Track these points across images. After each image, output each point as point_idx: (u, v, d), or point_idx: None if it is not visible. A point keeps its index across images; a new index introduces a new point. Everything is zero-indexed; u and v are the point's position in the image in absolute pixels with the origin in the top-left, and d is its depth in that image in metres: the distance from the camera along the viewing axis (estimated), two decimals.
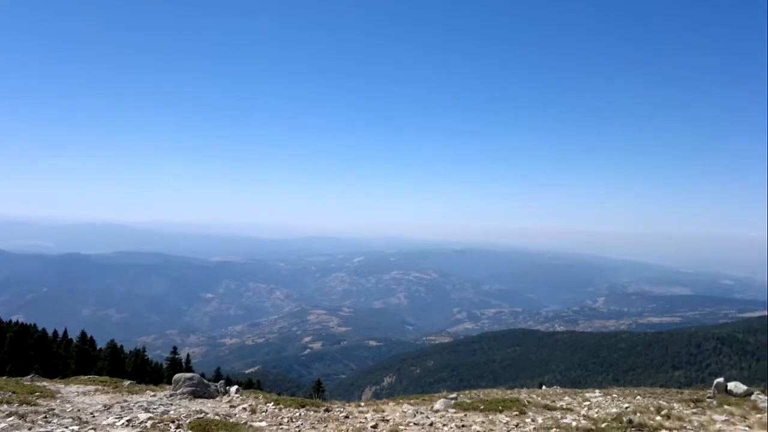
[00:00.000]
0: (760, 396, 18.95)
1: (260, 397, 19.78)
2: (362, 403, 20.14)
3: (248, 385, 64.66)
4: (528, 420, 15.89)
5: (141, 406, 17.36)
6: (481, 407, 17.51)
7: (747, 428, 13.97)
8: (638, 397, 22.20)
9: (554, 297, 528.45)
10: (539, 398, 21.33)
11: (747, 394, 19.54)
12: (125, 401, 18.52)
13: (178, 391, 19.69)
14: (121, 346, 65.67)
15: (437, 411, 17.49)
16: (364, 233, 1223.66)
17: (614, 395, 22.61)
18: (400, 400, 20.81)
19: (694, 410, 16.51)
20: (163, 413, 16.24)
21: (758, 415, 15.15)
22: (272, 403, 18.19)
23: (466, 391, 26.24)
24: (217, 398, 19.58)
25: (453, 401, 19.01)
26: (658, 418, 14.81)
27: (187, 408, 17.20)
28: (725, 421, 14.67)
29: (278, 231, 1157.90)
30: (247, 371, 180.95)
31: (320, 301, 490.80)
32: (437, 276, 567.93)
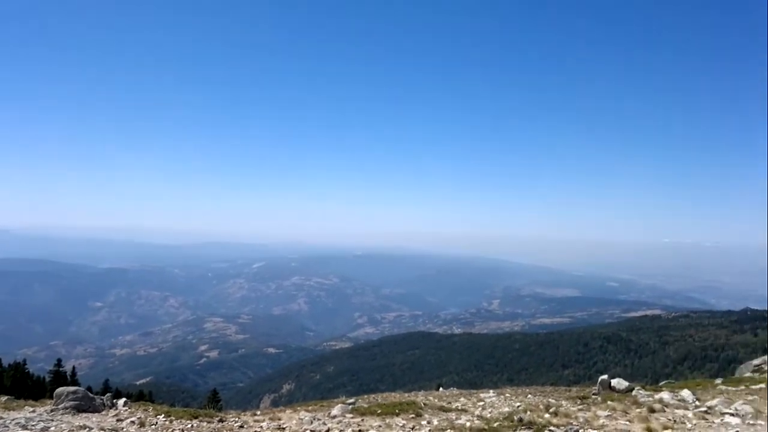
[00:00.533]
0: (641, 391, 20.07)
1: (150, 409, 18.91)
2: (258, 412, 19.72)
3: (139, 397, 61.86)
4: (424, 422, 16.06)
5: (18, 423, 16.19)
6: (379, 411, 17.54)
7: (628, 422, 14.73)
8: (529, 395, 22.99)
9: (453, 300, 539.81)
10: (436, 400, 21.65)
11: (629, 390, 20.65)
12: (1, 418, 17.23)
13: (60, 406, 18.48)
14: None
15: (334, 417, 17.35)
16: (264, 238, 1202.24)
17: (507, 394, 23.31)
18: (298, 407, 20.55)
19: (580, 407, 17.24)
20: (42, 430, 15.27)
21: (638, 410, 16.01)
22: (163, 416, 17.46)
23: (365, 396, 26.32)
24: (104, 412, 18.52)
25: (351, 406, 18.95)
26: (547, 415, 15.36)
27: (70, 423, 16.18)
28: (608, 416, 15.41)
29: (174, 236, 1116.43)
30: (138, 383, 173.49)
31: (217, 309, 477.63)
32: (338, 281, 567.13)
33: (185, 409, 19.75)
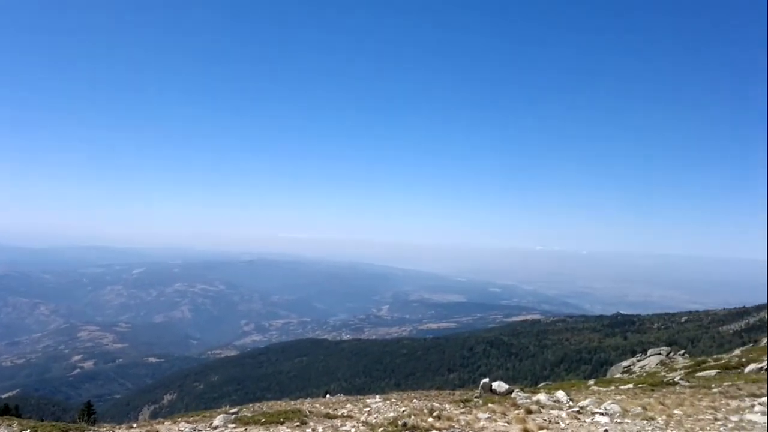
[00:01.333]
0: (520, 393, 20.85)
1: (15, 424, 17.56)
2: (135, 425, 18.81)
3: (3, 411, 57.47)
4: (308, 430, 15.92)
5: None
6: (263, 420, 17.19)
7: (506, 424, 15.25)
8: (415, 400, 23.33)
9: (342, 306, 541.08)
10: (322, 407, 21.51)
11: (508, 392, 21.40)
12: None
13: None
14: None
15: (216, 427, 16.82)
16: (144, 242, 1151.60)
17: (393, 400, 23.53)
18: (178, 419, 19.78)
19: (463, 410, 17.67)
20: None
21: (516, 411, 16.62)
22: (29, 431, 16.31)
23: (250, 405, 25.75)
24: None
25: (234, 416, 18.46)
26: (430, 419, 15.60)
27: None
28: (488, 418, 15.88)
29: (44, 239, 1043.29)
30: (3, 396, 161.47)
31: (93, 317, 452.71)
32: (224, 288, 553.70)
33: (54, 423, 18.53)
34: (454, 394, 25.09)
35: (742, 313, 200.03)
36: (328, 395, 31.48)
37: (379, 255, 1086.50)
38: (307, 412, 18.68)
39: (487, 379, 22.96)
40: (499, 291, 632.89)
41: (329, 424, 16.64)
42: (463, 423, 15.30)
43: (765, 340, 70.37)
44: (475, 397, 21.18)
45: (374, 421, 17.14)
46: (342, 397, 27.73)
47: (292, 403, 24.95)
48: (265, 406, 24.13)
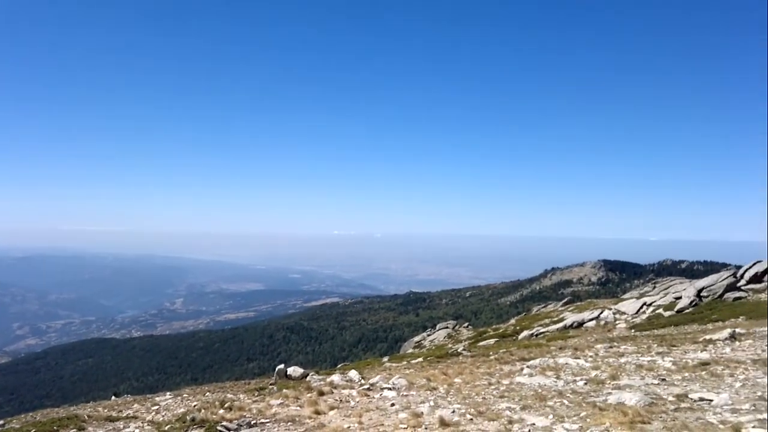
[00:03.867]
0: (314, 376, 21.12)
1: None
2: None
3: None
4: None
5: None
6: (33, 431, 15.62)
7: (299, 408, 15.32)
8: (208, 393, 22.58)
9: (131, 302, 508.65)
10: (105, 410, 20.04)
11: (304, 377, 21.59)
12: None
13: None
14: None
15: None
16: None
17: (185, 395, 22.59)
18: None
19: (256, 398, 17.46)
20: None
21: (309, 394, 16.77)
22: None
23: (22, 416, 23.28)
24: None
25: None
26: (222, 411, 15.20)
27: None
28: (281, 404, 15.84)
29: None
30: None
31: None
32: None
33: None
34: (249, 384, 24.68)
35: (517, 285, 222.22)
36: (114, 397, 29.51)
37: (171, 246, 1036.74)
38: (86, 417, 17.25)
39: (282, 366, 22.95)
40: (299, 277, 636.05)
41: (111, 427, 15.56)
42: (255, 411, 15.09)
43: (535, 308, 78.58)
44: (271, 385, 21.03)
45: (162, 419, 16.33)
46: (129, 398, 26.08)
47: (72, 409, 22.97)
48: (39, 415, 21.94)
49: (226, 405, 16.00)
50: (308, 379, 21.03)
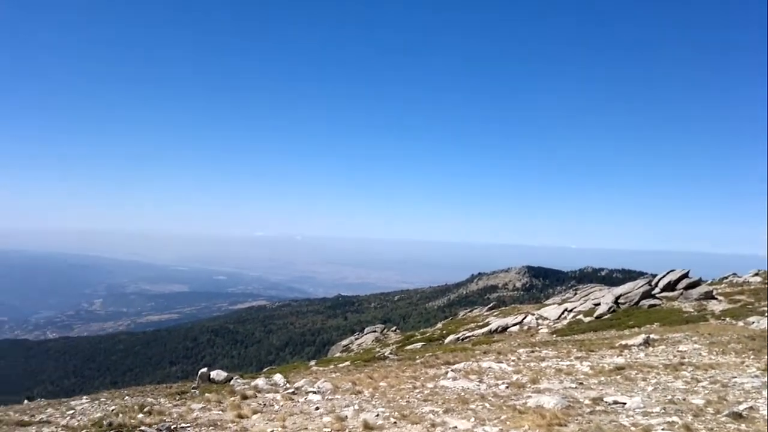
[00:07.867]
0: (238, 380, 20.82)
1: None
2: None
3: None
4: None
5: None
6: None
7: (221, 412, 15.11)
8: (127, 397, 21.89)
9: (45, 302, 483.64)
10: (17, 414, 19.11)
11: (227, 380, 21.24)
12: None
13: None
14: None
15: None
16: None
17: (103, 399, 21.82)
18: None
19: (177, 402, 17.07)
20: None
21: (232, 398, 16.54)
22: None
23: None
24: None
25: None
26: (140, 415, 14.81)
27: None
28: (202, 408, 15.55)
29: None
30: None
31: None
32: None
33: None
34: (171, 388, 24.08)
35: (444, 290, 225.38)
36: (26, 401, 28.23)
37: (89, 245, 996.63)
38: None
39: (205, 369, 22.51)
40: (224, 279, 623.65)
41: None
42: (175, 416, 14.76)
43: (462, 313, 79.82)
44: (193, 388, 20.60)
45: (77, 423, 15.73)
46: (43, 402, 24.94)
47: None
48: None
49: (145, 409, 15.58)
50: (232, 383, 20.70)
